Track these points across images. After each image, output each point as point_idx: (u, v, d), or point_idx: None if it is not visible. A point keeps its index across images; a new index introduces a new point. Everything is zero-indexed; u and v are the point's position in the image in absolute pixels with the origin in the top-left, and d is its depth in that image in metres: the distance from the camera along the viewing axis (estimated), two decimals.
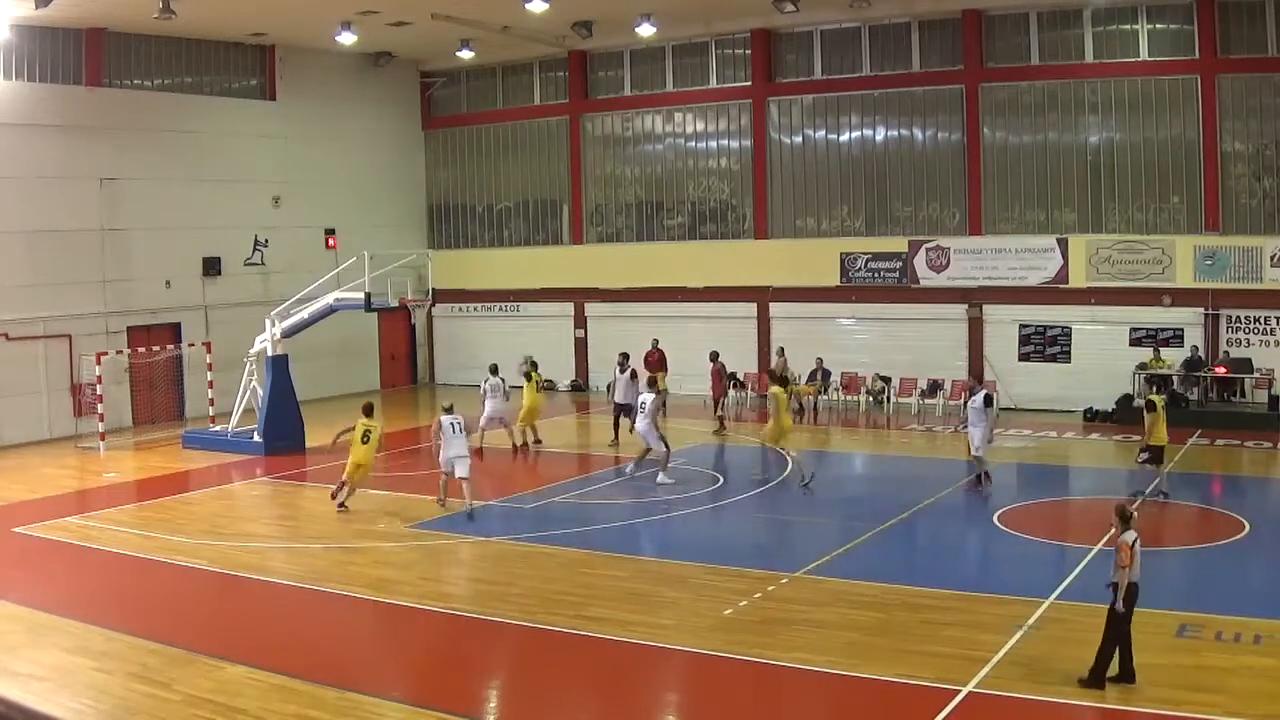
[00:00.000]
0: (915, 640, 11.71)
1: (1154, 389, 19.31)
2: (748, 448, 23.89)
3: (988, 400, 19.46)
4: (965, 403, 20.51)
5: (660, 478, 19.68)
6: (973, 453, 19.39)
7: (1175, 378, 25.52)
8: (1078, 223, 27.31)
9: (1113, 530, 10.80)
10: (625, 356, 24.08)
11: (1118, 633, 10.30)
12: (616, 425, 23.59)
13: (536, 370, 24.43)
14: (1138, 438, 23.40)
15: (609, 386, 24.44)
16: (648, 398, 20.17)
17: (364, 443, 17.99)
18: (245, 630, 12.73)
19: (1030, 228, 27.83)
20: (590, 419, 28.87)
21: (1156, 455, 18.19)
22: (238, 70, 30.90)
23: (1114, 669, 10.36)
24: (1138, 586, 10.40)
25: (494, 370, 23.97)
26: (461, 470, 17.85)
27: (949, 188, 28.74)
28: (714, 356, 26.34)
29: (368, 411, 18.60)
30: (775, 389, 20.62)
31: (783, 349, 28.31)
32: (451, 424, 17.99)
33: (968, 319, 28.15)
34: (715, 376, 26.04)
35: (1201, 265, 25.70)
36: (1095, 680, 10.28)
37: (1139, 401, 25.50)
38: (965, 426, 19.95)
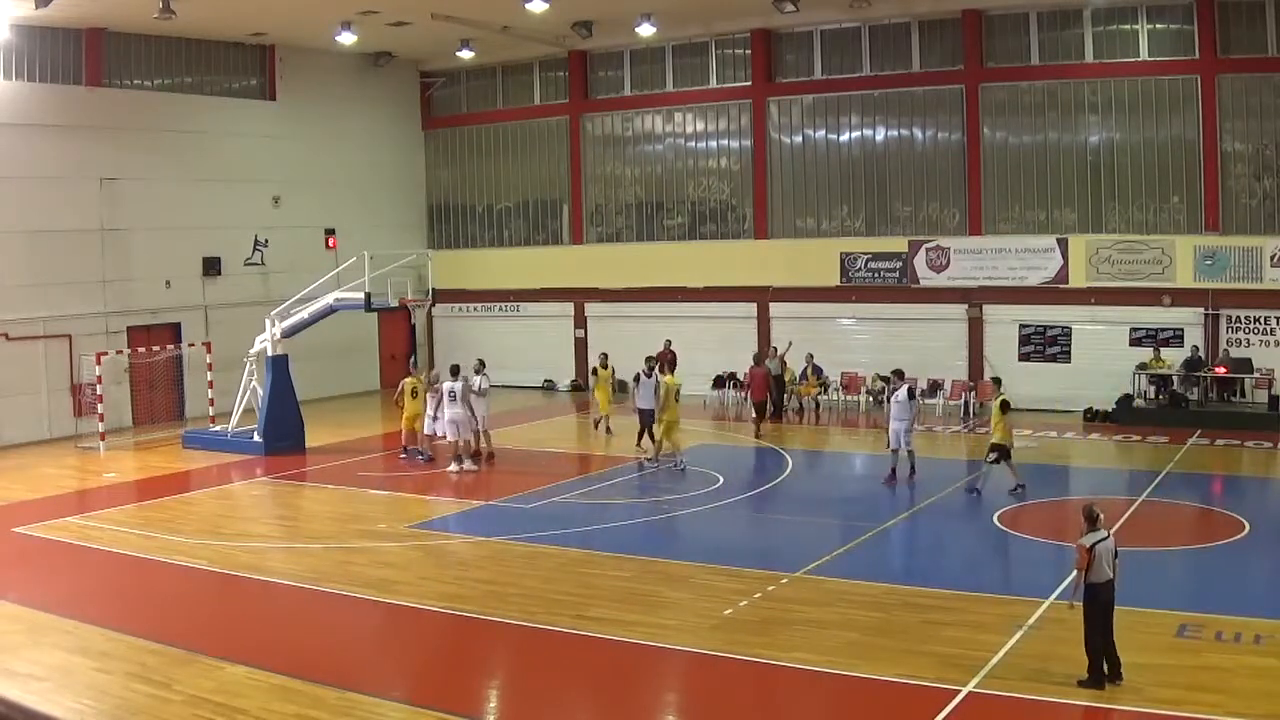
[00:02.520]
0: (915, 640, 11.71)
1: (1001, 387, 19.40)
2: (751, 448, 23.88)
3: (910, 394, 19.69)
4: (888, 398, 20.62)
5: (452, 466, 21.11)
6: (904, 448, 19.57)
7: (1175, 378, 25.53)
8: (1078, 223, 27.31)
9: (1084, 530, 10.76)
10: (651, 360, 23.06)
11: (1087, 630, 10.35)
12: (643, 431, 22.61)
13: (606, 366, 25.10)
14: (1138, 438, 23.67)
15: (630, 390, 23.79)
16: (455, 386, 21.10)
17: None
18: (245, 630, 12.74)
19: (1030, 228, 27.83)
20: (590, 419, 28.81)
21: (1003, 453, 18.34)
22: (238, 70, 30.90)
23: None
24: (1112, 586, 10.42)
25: (477, 368, 22.84)
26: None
27: (949, 188, 28.73)
28: (759, 359, 26.05)
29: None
30: (667, 378, 21.18)
31: (776, 348, 28.29)
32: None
33: (968, 319, 28.15)
34: (758, 378, 25.45)
35: (1201, 265, 25.70)
36: (1095, 683, 10.31)
37: (1140, 401, 25.66)
38: (894, 421, 19.85)
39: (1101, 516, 10.71)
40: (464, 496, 19.55)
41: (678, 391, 21.02)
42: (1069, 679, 10.41)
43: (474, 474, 21.04)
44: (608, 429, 24.73)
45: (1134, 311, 26.41)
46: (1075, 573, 10.51)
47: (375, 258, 23.49)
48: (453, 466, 21.20)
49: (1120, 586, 10.56)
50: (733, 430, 25.84)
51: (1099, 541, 10.42)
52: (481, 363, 22.83)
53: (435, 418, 21.91)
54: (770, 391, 25.96)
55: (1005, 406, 18.56)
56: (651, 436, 22.19)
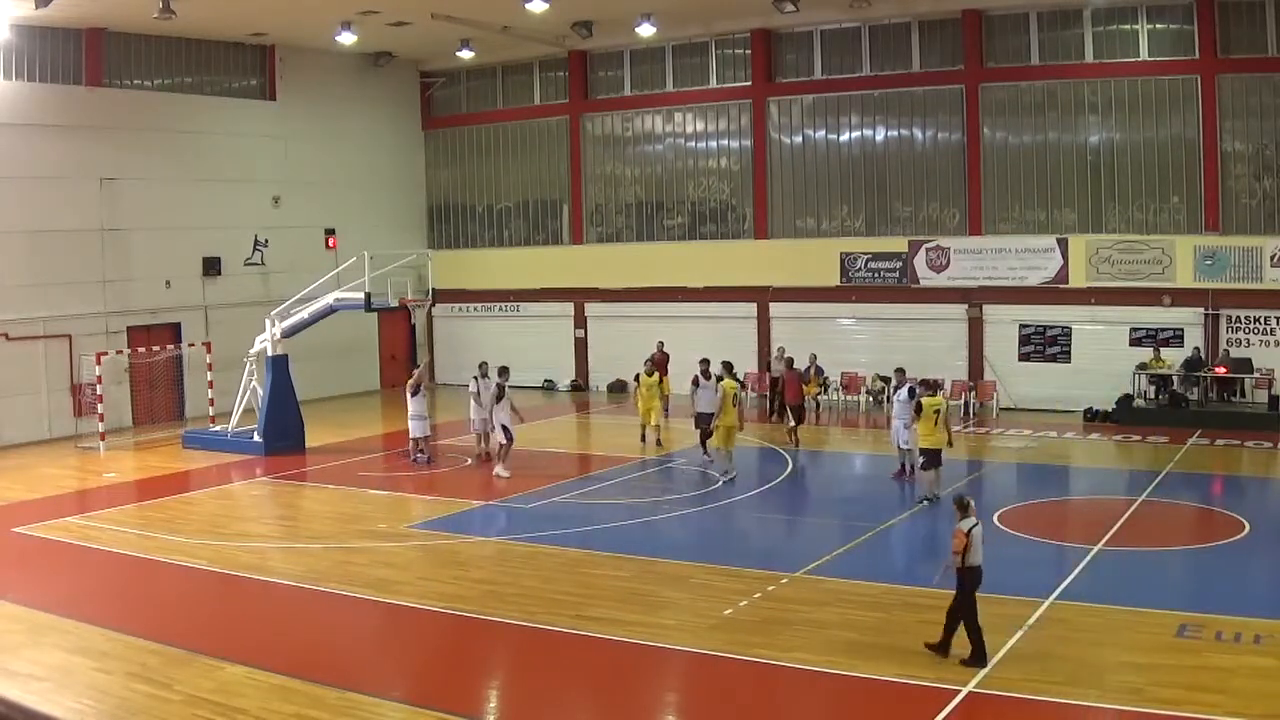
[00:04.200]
0: (915, 640, 11.69)
1: (928, 390, 18.90)
2: (753, 448, 23.86)
3: (911, 393, 19.59)
4: (891, 397, 20.60)
5: (498, 470, 20.49)
6: (901, 445, 19.70)
7: (1175, 378, 25.53)
8: (1078, 223, 27.32)
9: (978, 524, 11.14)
10: (707, 363, 22.14)
11: (965, 613, 10.97)
12: (705, 439, 21.33)
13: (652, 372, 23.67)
14: (1138, 438, 23.66)
15: (691, 395, 22.16)
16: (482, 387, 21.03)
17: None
18: (245, 630, 12.74)
19: (1030, 228, 27.84)
20: (590, 419, 28.85)
21: (933, 458, 17.84)
22: (238, 70, 30.90)
23: (965, 651, 10.99)
24: (981, 570, 11.09)
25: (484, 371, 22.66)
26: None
27: (949, 188, 28.73)
28: (790, 363, 25.20)
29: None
30: (726, 383, 20.34)
31: (783, 348, 28.17)
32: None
33: (968, 319, 28.16)
34: (792, 382, 24.57)
35: (1201, 265, 25.70)
36: (977, 658, 10.90)
37: (1140, 401, 25.67)
38: (895, 419, 19.99)
39: (972, 504, 11.34)
40: (464, 496, 19.54)
41: (735, 395, 20.19)
42: (1069, 679, 10.43)
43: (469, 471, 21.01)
44: (657, 440, 23.35)
45: (1134, 311, 26.42)
46: (952, 556, 11.05)
47: (375, 258, 23.49)
48: (500, 470, 20.65)
49: (987, 571, 11.15)
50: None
51: (973, 527, 11.06)
52: (481, 366, 22.53)
53: (424, 417, 21.86)
54: (779, 394, 25.74)
55: (919, 409, 18.10)
56: (701, 440, 21.40)
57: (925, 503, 17.89)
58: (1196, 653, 11.20)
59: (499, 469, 20.65)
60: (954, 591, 11.13)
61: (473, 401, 22.08)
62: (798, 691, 10.89)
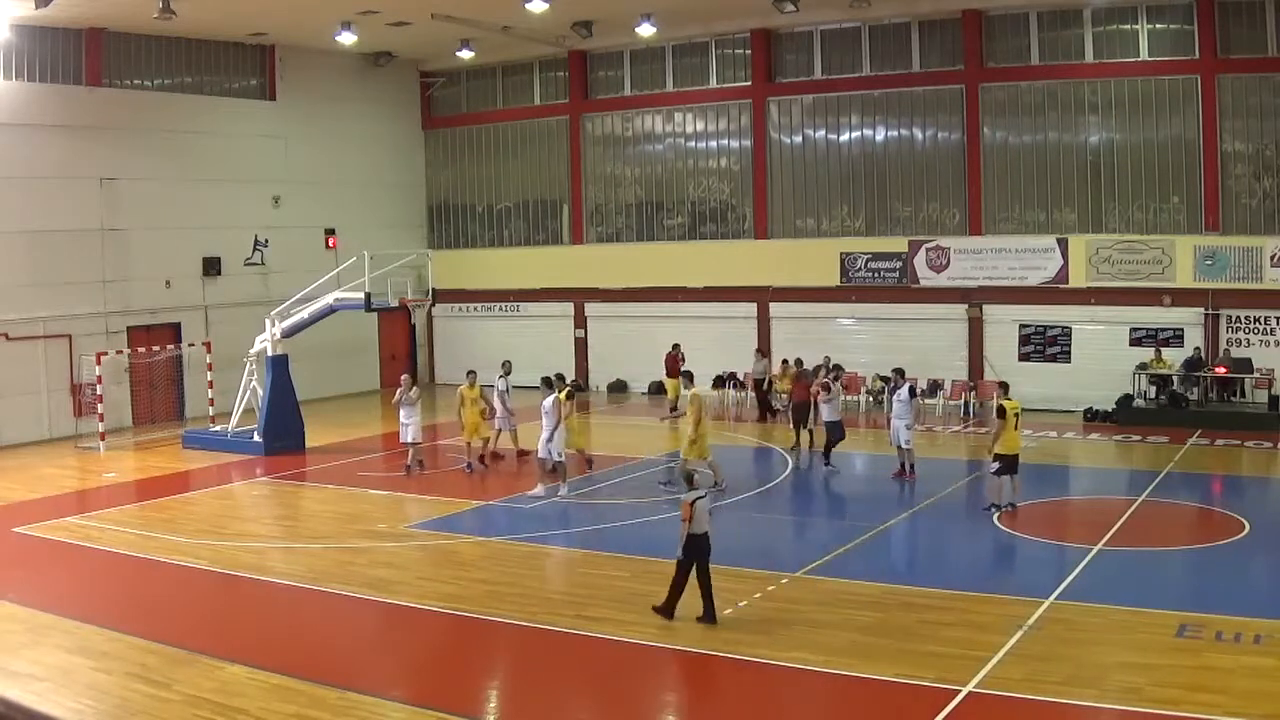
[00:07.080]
0: (915, 640, 11.70)
1: (1006, 393, 18.43)
2: (751, 448, 23.87)
3: (911, 392, 19.75)
4: (890, 396, 20.58)
5: (562, 490, 19.02)
6: (902, 445, 19.67)
7: (1175, 378, 25.53)
8: (1078, 223, 27.32)
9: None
10: (838, 370, 21.60)
11: (684, 576, 12.34)
12: (828, 449, 20.90)
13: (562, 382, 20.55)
14: (1138, 438, 23.66)
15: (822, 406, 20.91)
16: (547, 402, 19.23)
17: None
18: (245, 630, 12.74)
19: (1030, 228, 27.84)
20: (589, 419, 28.82)
21: (1009, 464, 17.16)
22: (238, 70, 30.90)
23: (699, 611, 12.28)
24: (707, 538, 12.33)
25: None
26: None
27: (949, 188, 28.74)
28: (815, 371, 23.19)
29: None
30: (693, 390, 19.53)
31: (761, 351, 28.20)
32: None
33: (968, 319, 28.16)
34: (800, 382, 23.23)
35: (1201, 265, 25.71)
36: (665, 612, 12.35)
37: (1140, 401, 25.66)
38: (895, 419, 19.94)
39: (697, 476, 12.97)
40: (463, 496, 19.53)
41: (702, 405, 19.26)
42: (1070, 679, 10.43)
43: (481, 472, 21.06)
44: (481, 459, 21.54)
45: (1134, 311, 26.42)
46: (682, 524, 12.26)
47: (375, 258, 23.50)
48: (563, 490, 19.12)
49: (713, 538, 12.45)
50: (733, 430, 25.82)
51: (698, 499, 12.32)
52: (504, 365, 22.42)
53: (408, 424, 21.19)
54: (763, 393, 25.57)
55: (1000, 412, 17.56)
56: (829, 454, 20.75)
57: (1006, 509, 17.06)
58: (1196, 653, 11.19)
59: (563, 489, 19.12)
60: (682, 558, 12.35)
61: (498, 402, 21.90)
62: (798, 691, 10.88)
